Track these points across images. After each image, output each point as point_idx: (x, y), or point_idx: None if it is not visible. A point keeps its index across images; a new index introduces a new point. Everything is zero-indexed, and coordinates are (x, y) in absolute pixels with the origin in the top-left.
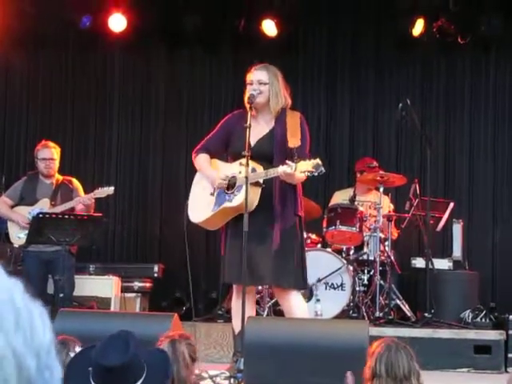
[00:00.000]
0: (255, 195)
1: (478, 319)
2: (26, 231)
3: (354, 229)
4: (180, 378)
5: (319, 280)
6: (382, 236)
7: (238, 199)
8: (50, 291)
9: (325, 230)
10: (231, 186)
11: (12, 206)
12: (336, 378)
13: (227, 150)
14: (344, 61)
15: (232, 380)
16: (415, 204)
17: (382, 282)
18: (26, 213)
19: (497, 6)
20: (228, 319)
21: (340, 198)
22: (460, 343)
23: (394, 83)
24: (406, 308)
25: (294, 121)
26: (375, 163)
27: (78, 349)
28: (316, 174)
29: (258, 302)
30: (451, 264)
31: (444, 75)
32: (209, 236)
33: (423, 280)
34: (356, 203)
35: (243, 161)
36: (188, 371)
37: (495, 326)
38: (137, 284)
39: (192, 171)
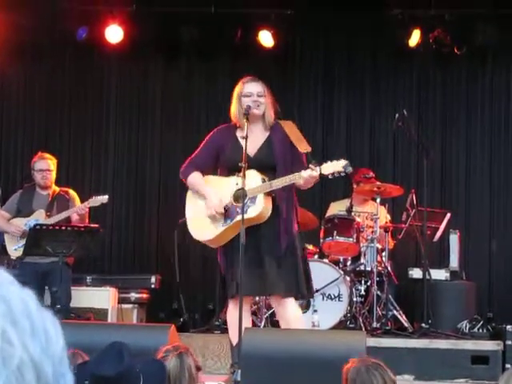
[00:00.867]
0: (269, 204)
1: (476, 329)
2: (23, 243)
3: (351, 239)
4: None
5: (316, 291)
6: (379, 247)
7: (255, 209)
8: (46, 303)
9: (322, 240)
10: (236, 199)
11: (9, 219)
12: None
13: (217, 165)
14: (340, 71)
15: None
16: (412, 214)
17: (379, 292)
18: (21, 224)
19: (492, 15)
20: (225, 330)
21: (336, 208)
22: (457, 354)
23: (390, 93)
24: (403, 318)
25: (292, 129)
26: (372, 174)
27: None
28: (344, 173)
29: (255, 313)
30: (448, 274)
31: (440, 85)
32: (205, 247)
33: (420, 290)
34: (353, 214)
35: (251, 172)
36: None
37: (492, 337)
38: (134, 295)
39: None
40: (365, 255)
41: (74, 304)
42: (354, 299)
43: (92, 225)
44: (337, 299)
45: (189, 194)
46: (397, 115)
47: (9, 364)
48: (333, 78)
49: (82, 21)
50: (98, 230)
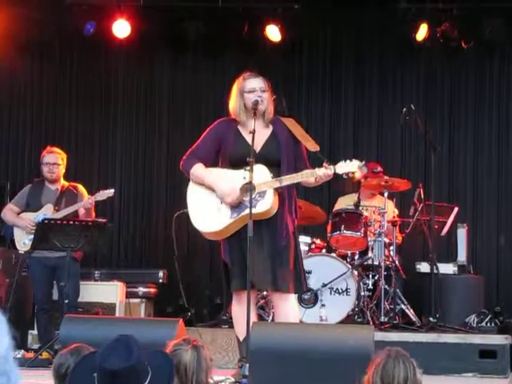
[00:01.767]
0: (277, 200)
1: (483, 324)
2: (31, 237)
3: (359, 234)
4: (200, 382)
5: (324, 285)
6: (387, 241)
7: (264, 204)
8: (54, 297)
9: (329, 235)
10: (244, 191)
11: (18, 213)
12: (341, 383)
13: (217, 157)
14: (348, 65)
15: None
16: (420, 209)
17: (386, 286)
18: (30, 218)
19: (500, 10)
20: (233, 324)
21: (344, 203)
22: (465, 348)
23: (397, 88)
24: (410, 313)
25: (296, 126)
26: (379, 168)
27: None
28: (359, 174)
29: (262, 308)
30: (456, 268)
31: (448, 79)
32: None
33: (428, 285)
34: (361, 208)
35: (258, 166)
36: (209, 375)
37: (500, 331)
38: (142, 290)
39: None
40: (372, 249)
41: (82, 299)
42: (362, 293)
43: (100, 219)
44: (344, 293)
45: (191, 186)
46: (404, 109)
47: None
48: (340, 72)
49: (90, 15)
50: (106, 224)
